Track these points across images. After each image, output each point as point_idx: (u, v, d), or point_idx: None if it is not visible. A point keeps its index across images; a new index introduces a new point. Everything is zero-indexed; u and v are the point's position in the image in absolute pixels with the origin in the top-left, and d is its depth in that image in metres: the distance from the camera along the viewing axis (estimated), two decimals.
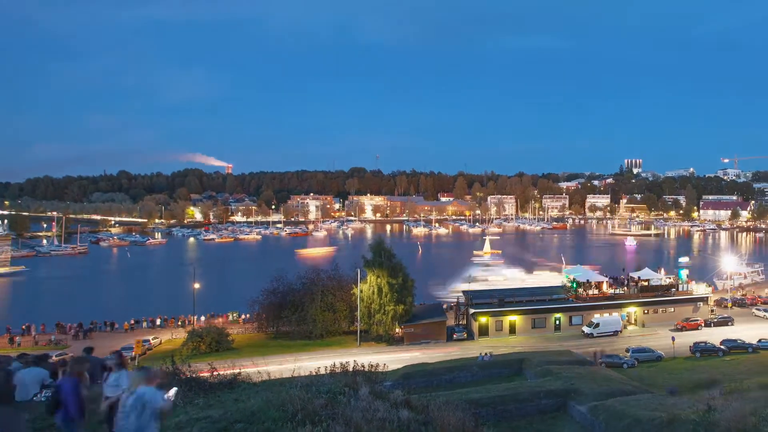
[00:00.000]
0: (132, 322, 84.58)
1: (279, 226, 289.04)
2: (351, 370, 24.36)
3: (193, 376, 20.52)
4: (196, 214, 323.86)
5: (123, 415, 8.40)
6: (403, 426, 16.89)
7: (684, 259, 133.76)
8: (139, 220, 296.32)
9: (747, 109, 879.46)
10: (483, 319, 79.24)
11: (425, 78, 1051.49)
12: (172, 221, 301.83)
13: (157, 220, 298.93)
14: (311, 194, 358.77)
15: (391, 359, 61.87)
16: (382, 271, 77.22)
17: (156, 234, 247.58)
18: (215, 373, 22.17)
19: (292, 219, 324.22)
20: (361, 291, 76.75)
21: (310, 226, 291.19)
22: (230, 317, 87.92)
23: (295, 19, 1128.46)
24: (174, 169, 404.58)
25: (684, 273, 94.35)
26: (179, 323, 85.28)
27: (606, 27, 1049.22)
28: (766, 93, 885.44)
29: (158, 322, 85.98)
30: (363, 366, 25.85)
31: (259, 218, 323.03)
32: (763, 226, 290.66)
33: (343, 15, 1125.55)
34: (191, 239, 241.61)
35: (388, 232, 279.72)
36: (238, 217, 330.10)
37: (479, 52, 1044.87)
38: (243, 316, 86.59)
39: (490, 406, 35.75)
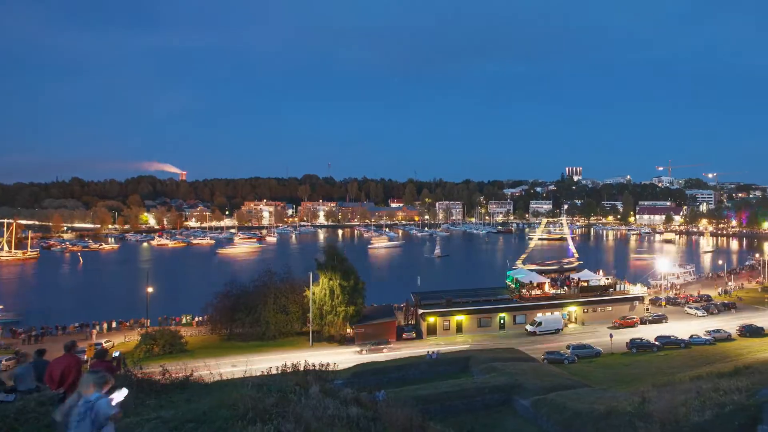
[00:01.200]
0: (77, 324, 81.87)
1: (232, 231, 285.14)
2: (302, 369, 24.23)
3: (145, 377, 20.05)
4: (149, 219, 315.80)
5: (75, 421, 8.10)
6: (353, 422, 16.89)
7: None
8: (92, 226, 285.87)
9: (679, 122, 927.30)
10: (431, 319, 79.60)
11: (376, 91, 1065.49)
12: (126, 227, 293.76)
13: (110, 226, 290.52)
14: (264, 200, 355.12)
15: (343, 358, 61.74)
16: (334, 273, 77.14)
17: (109, 239, 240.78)
18: (167, 374, 21.73)
19: (246, 224, 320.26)
20: (314, 293, 76.39)
21: (263, 231, 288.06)
22: (184, 320, 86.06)
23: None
24: (127, 177, 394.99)
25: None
26: (132, 326, 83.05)
27: (550, 53, 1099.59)
28: (694, 109, 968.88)
29: (114, 325, 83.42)
30: (314, 365, 25.69)
31: (213, 224, 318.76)
32: (695, 229, 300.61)
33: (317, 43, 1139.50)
34: (144, 244, 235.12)
35: (340, 236, 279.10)
36: (192, 223, 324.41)
37: (429, 73, 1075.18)
38: (197, 319, 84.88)
39: (437, 402, 36.01)
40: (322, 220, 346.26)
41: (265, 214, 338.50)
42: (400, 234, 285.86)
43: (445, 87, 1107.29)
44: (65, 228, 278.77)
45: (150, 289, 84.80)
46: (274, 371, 24.68)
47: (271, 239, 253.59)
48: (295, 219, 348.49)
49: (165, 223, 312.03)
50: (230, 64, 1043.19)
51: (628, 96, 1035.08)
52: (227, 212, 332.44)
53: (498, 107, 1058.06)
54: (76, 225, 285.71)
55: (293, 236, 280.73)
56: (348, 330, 76.62)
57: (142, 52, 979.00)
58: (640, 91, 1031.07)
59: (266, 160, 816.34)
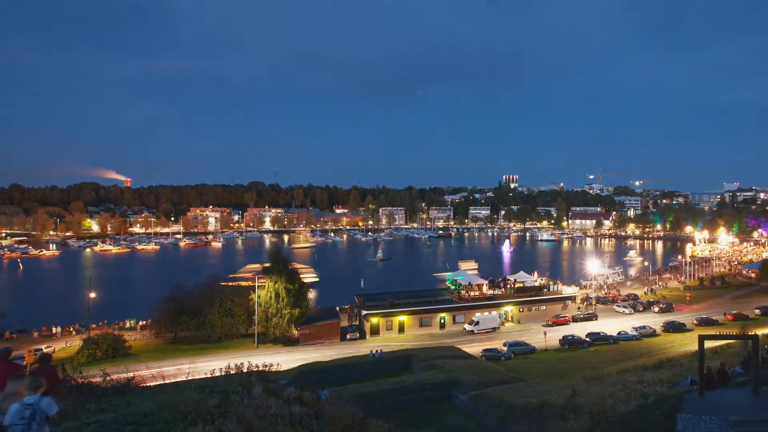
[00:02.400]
0: (16, 330, 78.60)
1: (178, 237, 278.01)
2: (246, 370, 23.79)
3: (85, 382, 19.26)
4: (93, 226, 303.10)
5: (21, 424, 7.71)
6: (295, 420, 16.63)
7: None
8: (32, 232, 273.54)
9: (609, 134, 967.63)
10: (374, 320, 79.57)
11: (326, 105, 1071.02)
12: (68, 233, 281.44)
13: (51, 232, 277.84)
14: (210, 207, 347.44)
15: (287, 359, 61.16)
16: (279, 277, 76.42)
17: (50, 245, 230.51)
18: (108, 378, 20.96)
19: (191, 230, 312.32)
20: (259, 296, 75.41)
21: (209, 237, 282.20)
22: (127, 324, 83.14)
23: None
24: (70, 183, 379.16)
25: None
26: (74, 331, 79.71)
27: (490, 78, 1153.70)
28: (622, 123, 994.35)
29: (54, 330, 79.80)
30: (257, 366, 25.27)
31: (158, 229, 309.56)
32: (623, 233, 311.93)
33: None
34: (87, 250, 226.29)
35: (286, 241, 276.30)
36: (137, 229, 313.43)
37: (377, 93, 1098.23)
38: (141, 323, 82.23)
39: (379, 399, 35.92)
40: (268, 225, 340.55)
41: (211, 220, 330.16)
42: (345, 238, 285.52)
43: (394, 105, 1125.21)
44: (4, 234, 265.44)
45: (92, 295, 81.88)
46: (218, 373, 24.19)
47: (217, 244, 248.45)
48: (241, 225, 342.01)
49: (109, 229, 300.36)
50: (187, 81, 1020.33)
51: (561, 112, 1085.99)
52: (173, 218, 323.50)
53: (442, 122, 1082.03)
54: (15, 231, 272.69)
55: (239, 241, 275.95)
56: (293, 331, 75.90)
57: (95, 68, 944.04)
58: (572, 107, 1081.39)
59: (212, 167, 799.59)
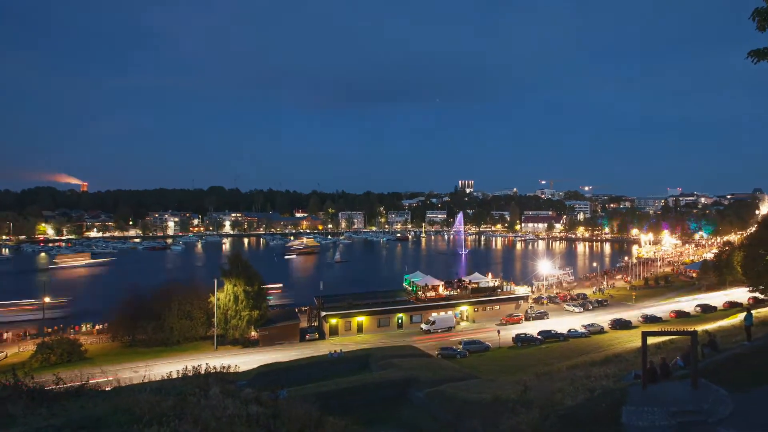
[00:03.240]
0: None
1: (136, 241, 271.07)
2: (203, 372, 23.35)
3: (36, 387, 18.54)
4: (48, 230, 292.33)
5: None
6: (252, 420, 16.41)
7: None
8: None
9: (560, 143, 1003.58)
10: (333, 321, 79.28)
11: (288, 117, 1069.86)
12: (22, 237, 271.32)
13: (4, 237, 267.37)
14: (170, 211, 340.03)
15: (247, 360, 60.59)
16: (238, 280, 75.39)
17: (3, 250, 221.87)
18: (61, 382, 20.27)
19: (151, 234, 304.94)
20: (218, 299, 74.28)
21: (169, 241, 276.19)
22: (83, 328, 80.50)
23: None
24: (24, 187, 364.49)
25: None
26: (28, 336, 76.82)
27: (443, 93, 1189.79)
28: (570, 135, 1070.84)
29: (5, 336, 76.66)
30: (215, 368, 24.79)
31: (116, 234, 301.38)
32: (573, 236, 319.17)
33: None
34: (42, 254, 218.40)
35: (246, 245, 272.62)
36: (94, 233, 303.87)
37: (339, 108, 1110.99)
38: (97, 327, 79.76)
39: (338, 397, 35.71)
40: (228, 229, 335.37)
41: (171, 224, 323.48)
42: (304, 241, 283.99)
43: (356, 116, 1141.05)
44: None
45: (47, 299, 79.17)
46: (175, 375, 23.63)
47: (177, 248, 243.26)
48: (201, 228, 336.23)
49: (65, 233, 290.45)
50: (150, 90, 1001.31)
51: (516, 123, 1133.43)
52: (131, 222, 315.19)
53: (401, 133, 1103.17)
54: None
55: (199, 245, 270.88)
56: (252, 333, 74.94)
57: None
58: (527, 119, 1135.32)
59: (173, 172, 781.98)
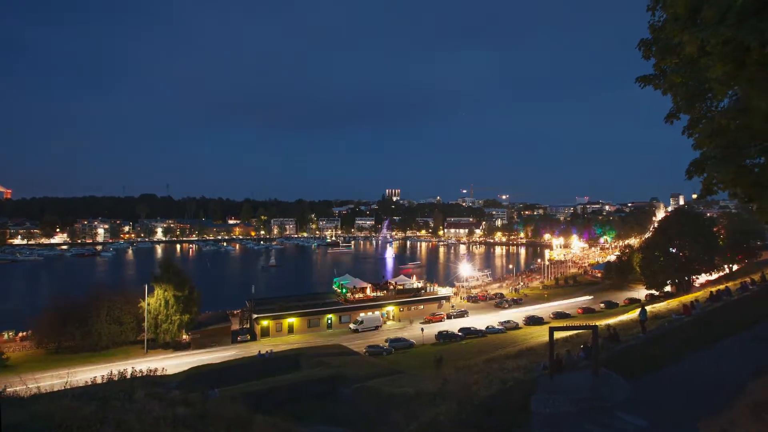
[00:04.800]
0: None
1: (64, 248, 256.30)
2: (129, 376, 22.27)
3: None
4: None
5: None
6: (179, 421, 15.68)
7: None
8: None
9: (479, 154, 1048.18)
10: (265, 322, 77.58)
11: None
12: None
13: None
14: (99, 218, 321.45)
15: (178, 363, 58.36)
16: (169, 285, 72.51)
17: None
18: None
19: (79, 241, 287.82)
20: (149, 304, 71.18)
21: (99, 247, 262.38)
22: (5, 336, 74.95)
23: None
24: None
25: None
26: None
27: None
28: (495, 147, 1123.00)
29: None
30: (141, 371, 23.75)
31: (42, 241, 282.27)
32: (491, 240, 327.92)
33: None
34: None
35: (178, 251, 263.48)
36: (18, 240, 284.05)
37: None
38: (21, 334, 74.50)
39: (269, 395, 34.96)
40: (160, 236, 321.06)
41: (101, 231, 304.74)
42: (237, 247, 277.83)
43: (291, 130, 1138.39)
44: None
45: None
46: (100, 380, 22.39)
47: (107, 255, 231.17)
48: (133, 235, 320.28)
49: None
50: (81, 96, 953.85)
51: (440, 138, 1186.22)
52: (58, 229, 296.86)
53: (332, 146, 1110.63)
54: None
55: (130, 251, 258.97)
56: (183, 336, 72.35)
57: None
58: (448, 136, 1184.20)
59: (103, 180, 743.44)
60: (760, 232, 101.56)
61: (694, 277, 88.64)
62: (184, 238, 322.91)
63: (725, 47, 7.89)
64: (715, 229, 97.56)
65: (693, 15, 8.69)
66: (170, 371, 49.60)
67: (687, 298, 55.19)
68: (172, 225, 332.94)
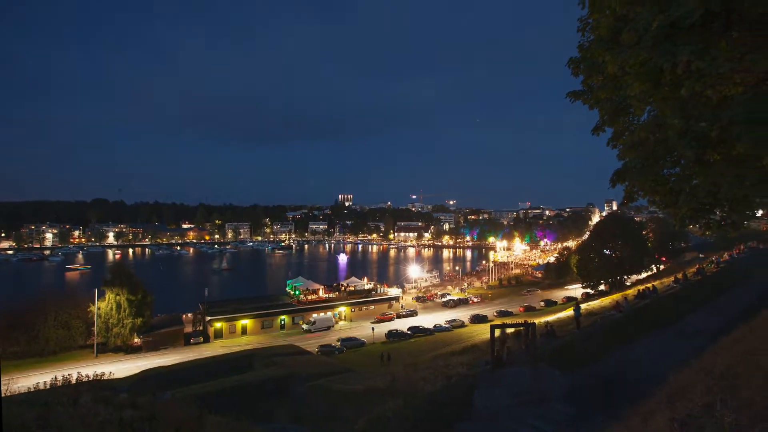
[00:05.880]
0: None
1: (10, 253, 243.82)
2: (75, 381, 21.36)
3: None
4: None
5: None
6: (126, 425, 15.13)
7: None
8: None
9: (429, 164, 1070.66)
10: (218, 324, 75.92)
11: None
12: None
13: None
14: (47, 222, 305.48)
15: (129, 366, 56.51)
16: (121, 289, 69.97)
17: None
18: None
19: (26, 246, 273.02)
20: (99, 308, 68.41)
21: (47, 252, 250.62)
22: None
23: None
24: None
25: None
26: None
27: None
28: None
29: None
30: (88, 376, 22.76)
31: None
32: (439, 243, 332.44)
33: None
34: None
35: (131, 255, 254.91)
36: None
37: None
38: None
39: (222, 396, 34.21)
40: (112, 240, 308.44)
41: (49, 235, 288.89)
42: (191, 251, 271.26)
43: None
44: None
45: None
46: (42, 387, 21.37)
47: (55, 259, 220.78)
48: (83, 240, 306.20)
49: None
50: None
51: (391, 147, 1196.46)
52: (3, 234, 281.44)
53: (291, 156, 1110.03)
54: None
55: (80, 256, 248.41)
56: (135, 340, 69.94)
57: None
58: (399, 143, 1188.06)
59: (53, 185, 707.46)
60: (683, 235, 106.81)
61: (625, 276, 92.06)
62: (137, 243, 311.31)
63: (642, 68, 8.32)
64: (644, 233, 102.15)
65: (615, 37, 9.10)
66: (121, 375, 47.97)
67: (618, 296, 57.28)
68: (124, 229, 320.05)
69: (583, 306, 55.15)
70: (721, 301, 38.85)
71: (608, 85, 10.40)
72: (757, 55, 7.35)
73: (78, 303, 70.74)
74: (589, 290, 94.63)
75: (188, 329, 77.94)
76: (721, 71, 7.48)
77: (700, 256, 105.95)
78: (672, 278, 58.07)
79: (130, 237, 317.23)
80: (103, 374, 23.56)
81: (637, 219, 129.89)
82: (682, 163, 10.37)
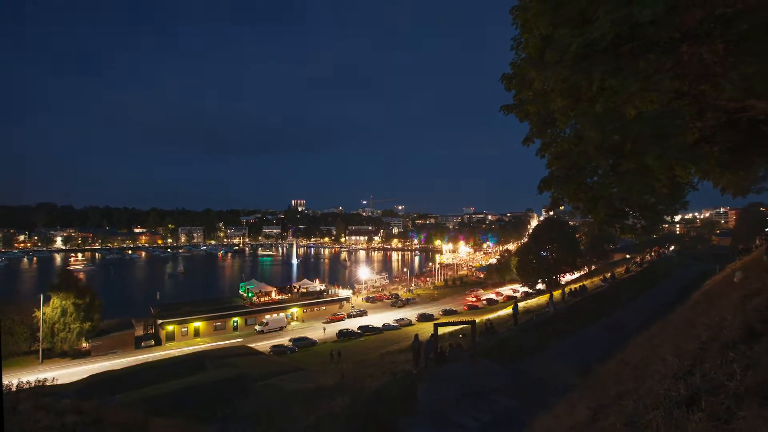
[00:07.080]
0: None
1: None
2: (14, 388, 20.25)
3: None
4: None
5: None
6: (68, 430, 14.63)
7: None
8: None
9: (378, 171, 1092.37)
10: (170, 327, 73.50)
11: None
12: None
13: None
14: None
15: (76, 371, 54.41)
16: (67, 294, 66.70)
17: None
18: None
19: None
20: (44, 313, 64.99)
21: None
22: None
23: None
24: None
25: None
26: None
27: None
28: (389, 165, 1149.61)
29: None
30: (29, 382, 21.60)
31: None
32: (388, 247, 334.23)
33: None
34: None
35: (80, 259, 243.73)
36: None
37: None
38: None
39: (172, 398, 33.19)
40: (60, 245, 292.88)
41: None
42: (143, 255, 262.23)
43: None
44: None
45: None
46: None
47: None
48: (29, 245, 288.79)
49: None
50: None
51: (340, 157, 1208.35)
52: None
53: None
54: None
55: (25, 261, 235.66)
56: (83, 344, 66.84)
57: None
58: (350, 152, 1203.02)
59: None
60: (612, 238, 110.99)
61: (561, 276, 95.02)
62: (87, 247, 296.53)
63: (564, 84, 8.72)
64: (577, 236, 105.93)
65: (541, 56, 9.48)
66: (68, 380, 45.81)
67: (554, 295, 59.10)
68: (72, 234, 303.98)
69: (521, 304, 56.67)
70: (644, 298, 40.77)
71: (536, 99, 10.82)
72: (663, 76, 7.83)
73: (21, 308, 67.12)
74: (528, 289, 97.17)
75: (139, 333, 75.17)
76: (631, 90, 7.93)
77: (627, 257, 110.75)
78: (601, 278, 60.43)
79: (80, 241, 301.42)
80: (45, 380, 22.34)
81: (571, 223, 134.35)
82: (600, 173, 10.89)
